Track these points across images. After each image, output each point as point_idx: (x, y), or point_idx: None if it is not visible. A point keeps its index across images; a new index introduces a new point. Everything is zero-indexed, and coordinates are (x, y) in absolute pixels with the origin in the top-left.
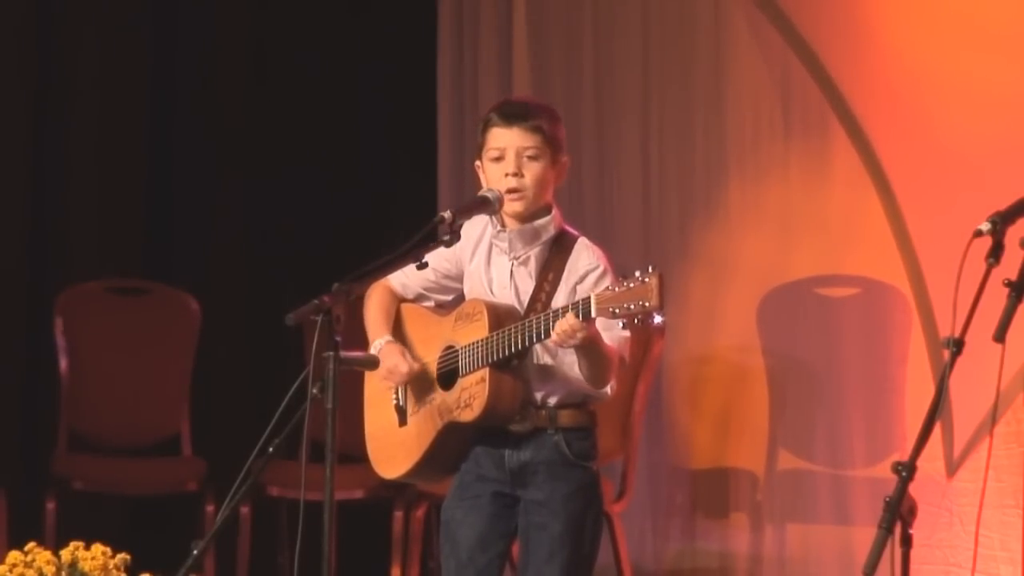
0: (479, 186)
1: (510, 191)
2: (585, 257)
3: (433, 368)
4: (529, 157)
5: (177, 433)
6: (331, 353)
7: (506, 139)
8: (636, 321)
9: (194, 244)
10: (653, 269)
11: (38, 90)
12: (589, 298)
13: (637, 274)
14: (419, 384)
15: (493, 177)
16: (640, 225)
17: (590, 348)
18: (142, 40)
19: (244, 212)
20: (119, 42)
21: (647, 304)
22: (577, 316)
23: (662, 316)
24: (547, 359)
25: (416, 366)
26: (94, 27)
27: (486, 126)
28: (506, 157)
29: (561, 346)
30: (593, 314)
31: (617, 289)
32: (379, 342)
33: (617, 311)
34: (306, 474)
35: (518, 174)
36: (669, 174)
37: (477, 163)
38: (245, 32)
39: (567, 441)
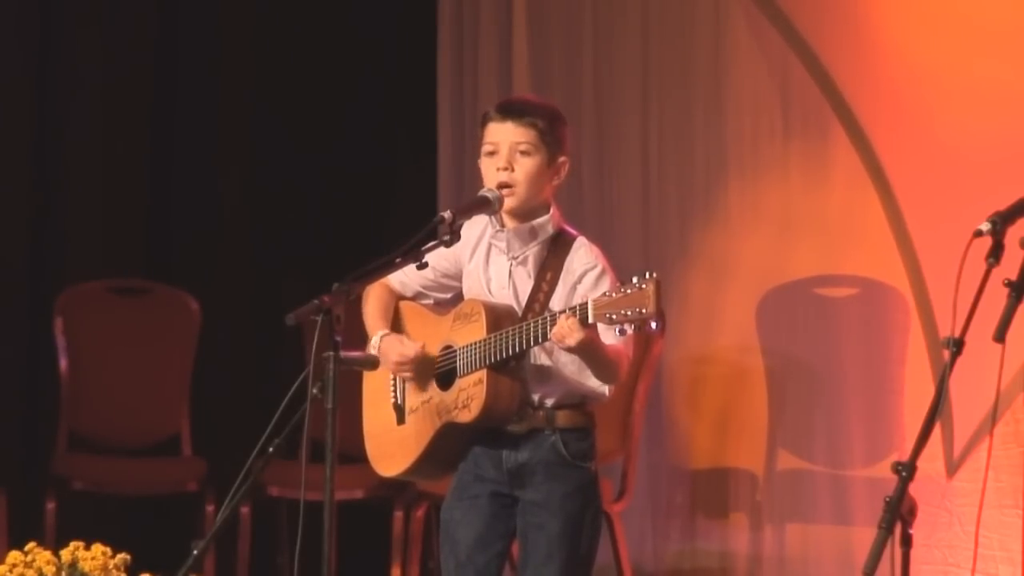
0: (482, 185)
1: (500, 186)
2: (582, 256)
3: (431, 367)
4: (521, 152)
5: (177, 433)
6: (331, 353)
7: (500, 134)
8: (632, 327)
9: (194, 244)
10: (650, 275)
11: (40, 89)
12: (586, 304)
13: (635, 280)
14: (418, 383)
15: (487, 172)
16: (640, 225)
17: (588, 350)
18: (145, 39)
19: (244, 212)
20: (122, 41)
21: (644, 311)
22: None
23: (657, 323)
24: (544, 359)
25: (420, 346)
26: (97, 26)
27: (484, 122)
28: (499, 151)
29: (558, 346)
30: (590, 320)
31: (614, 295)
32: (376, 337)
33: (614, 317)
34: (306, 474)
35: (508, 168)
36: (669, 174)
37: (480, 161)
38: (246, 32)
39: (565, 442)
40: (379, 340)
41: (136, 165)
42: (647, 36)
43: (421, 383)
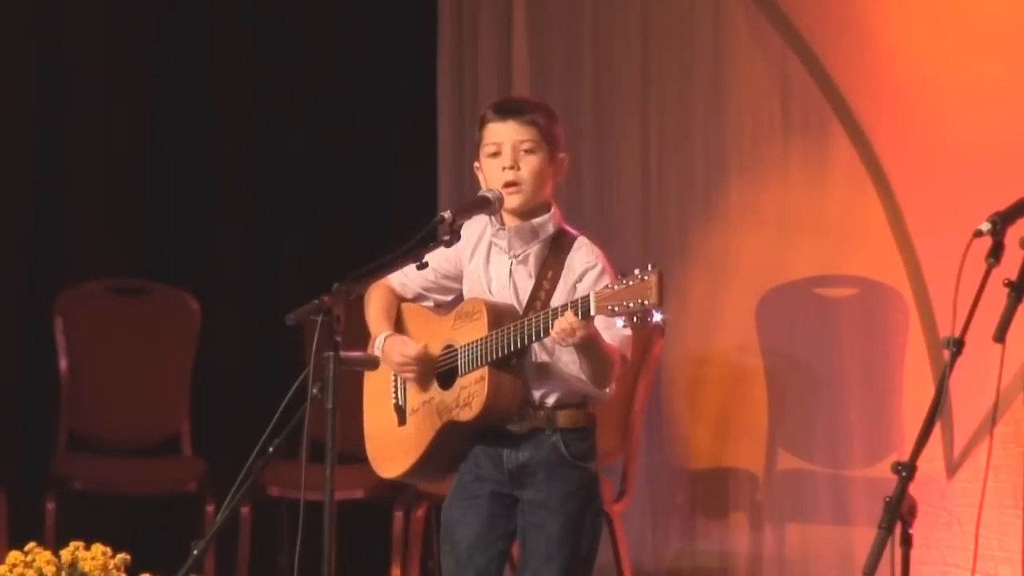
0: (479, 188)
1: (507, 185)
2: (583, 256)
3: (433, 367)
4: (526, 150)
5: (177, 433)
6: (331, 353)
7: (502, 133)
8: (635, 319)
9: (194, 244)
10: (653, 267)
11: (40, 89)
12: (588, 296)
13: (636, 272)
14: (419, 383)
15: (490, 173)
16: (640, 225)
17: (589, 347)
18: (144, 39)
19: (244, 212)
20: (121, 41)
21: (646, 302)
22: (576, 314)
23: (662, 314)
24: (545, 357)
25: (422, 347)
26: (97, 26)
27: (482, 123)
28: (502, 151)
29: (560, 344)
30: (592, 312)
31: (616, 287)
32: (380, 338)
33: (616, 309)
34: (306, 474)
35: (514, 167)
36: (669, 174)
37: (476, 164)
38: (246, 32)
39: (565, 442)
40: (383, 341)
41: (136, 165)
42: (647, 36)
43: (423, 383)
